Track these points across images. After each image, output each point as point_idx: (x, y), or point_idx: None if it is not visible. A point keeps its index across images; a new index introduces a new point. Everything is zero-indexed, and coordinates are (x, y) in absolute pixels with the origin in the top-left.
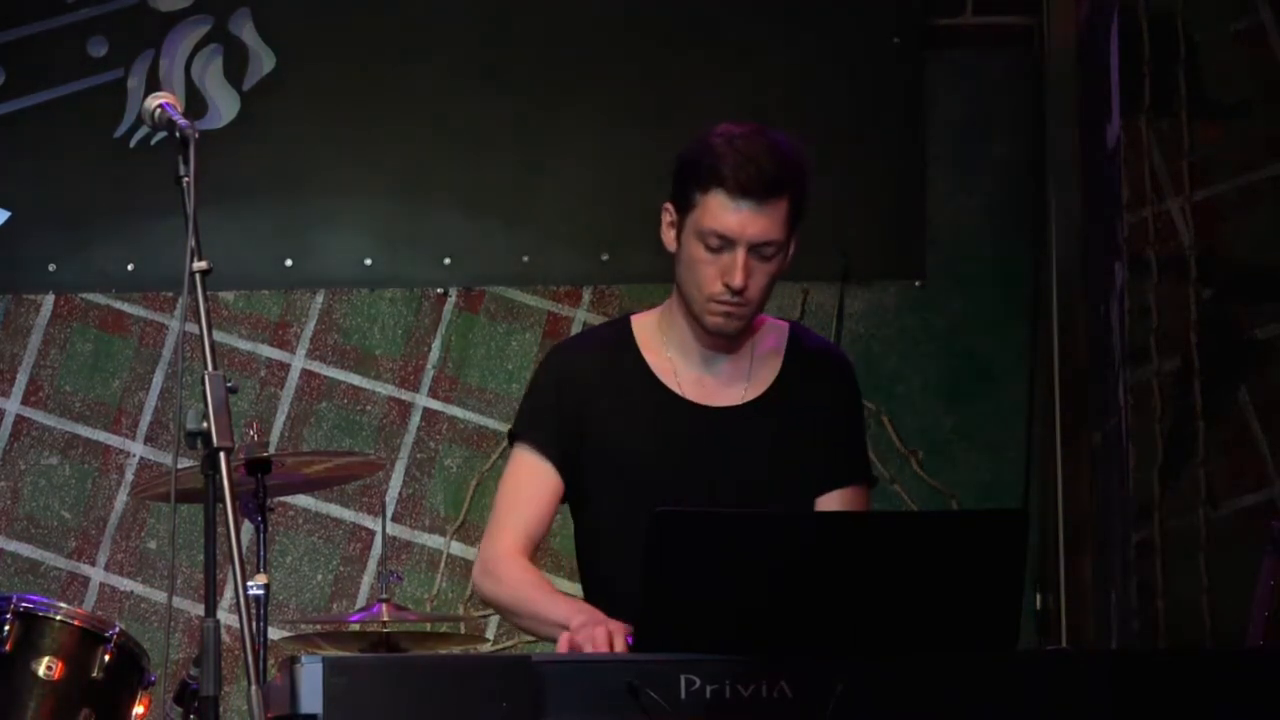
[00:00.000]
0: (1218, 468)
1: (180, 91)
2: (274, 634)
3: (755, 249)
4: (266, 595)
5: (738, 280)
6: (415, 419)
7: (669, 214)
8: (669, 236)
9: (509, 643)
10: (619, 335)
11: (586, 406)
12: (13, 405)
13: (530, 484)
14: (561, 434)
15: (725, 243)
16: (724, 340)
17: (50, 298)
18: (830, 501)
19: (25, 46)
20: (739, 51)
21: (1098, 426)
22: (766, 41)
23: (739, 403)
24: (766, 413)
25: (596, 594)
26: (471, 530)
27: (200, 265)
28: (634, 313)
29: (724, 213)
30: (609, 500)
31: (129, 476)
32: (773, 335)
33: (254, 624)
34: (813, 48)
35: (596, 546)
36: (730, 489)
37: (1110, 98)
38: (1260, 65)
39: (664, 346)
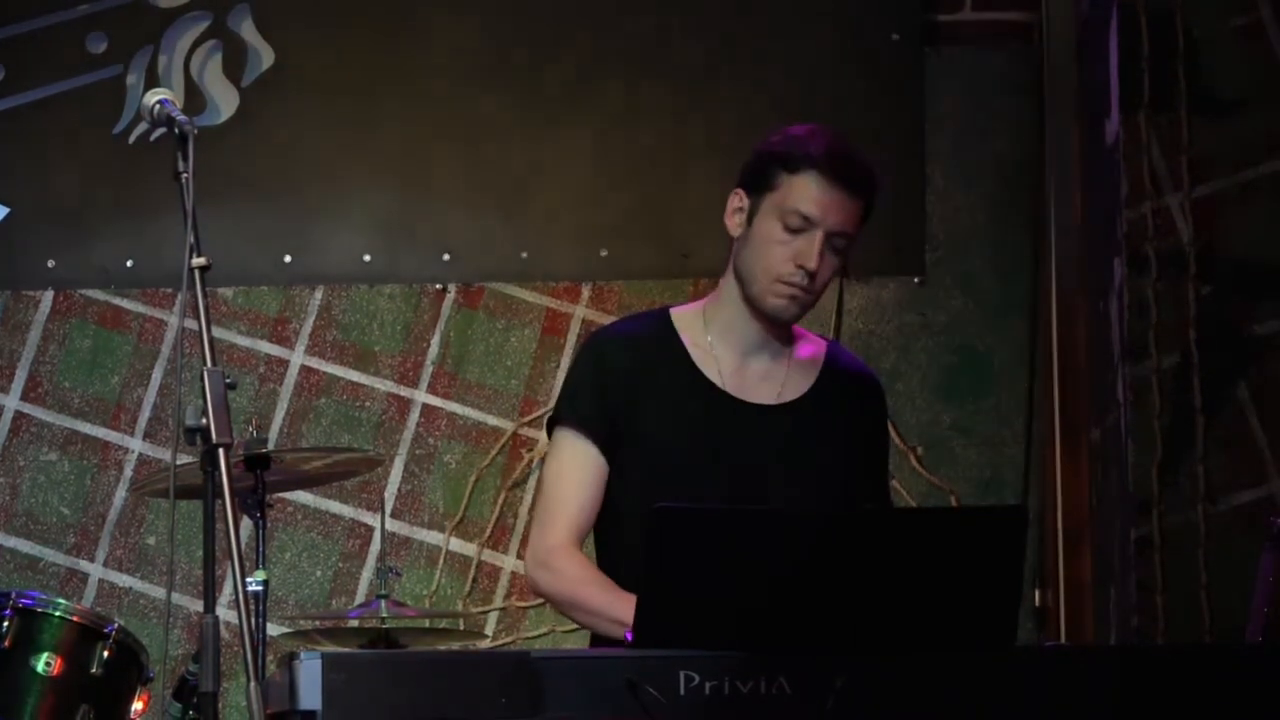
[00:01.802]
0: (1217, 464)
1: (179, 88)
2: (273, 630)
3: (831, 237)
4: (265, 591)
5: (813, 262)
6: (414, 415)
7: (739, 198)
8: (735, 221)
9: (508, 639)
10: (660, 323)
11: (626, 390)
12: (12, 401)
13: (578, 470)
14: (604, 416)
15: (807, 224)
16: (775, 327)
17: (49, 294)
18: None
19: (24, 42)
20: (738, 48)
21: (1097, 423)
22: (765, 38)
23: (773, 402)
24: (798, 418)
25: (611, 573)
26: (470, 526)
27: (199, 261)
28: (673, 305)
29: (814, 193)
30: (637, 483)
31: (128, 472)
32: (811, 346)
33: (253, 620)
34: (812, 44)
35: (619, 527)
36: (751, 485)
37: (1109, 94)
38: (1259, 61)
39: (705, 335)
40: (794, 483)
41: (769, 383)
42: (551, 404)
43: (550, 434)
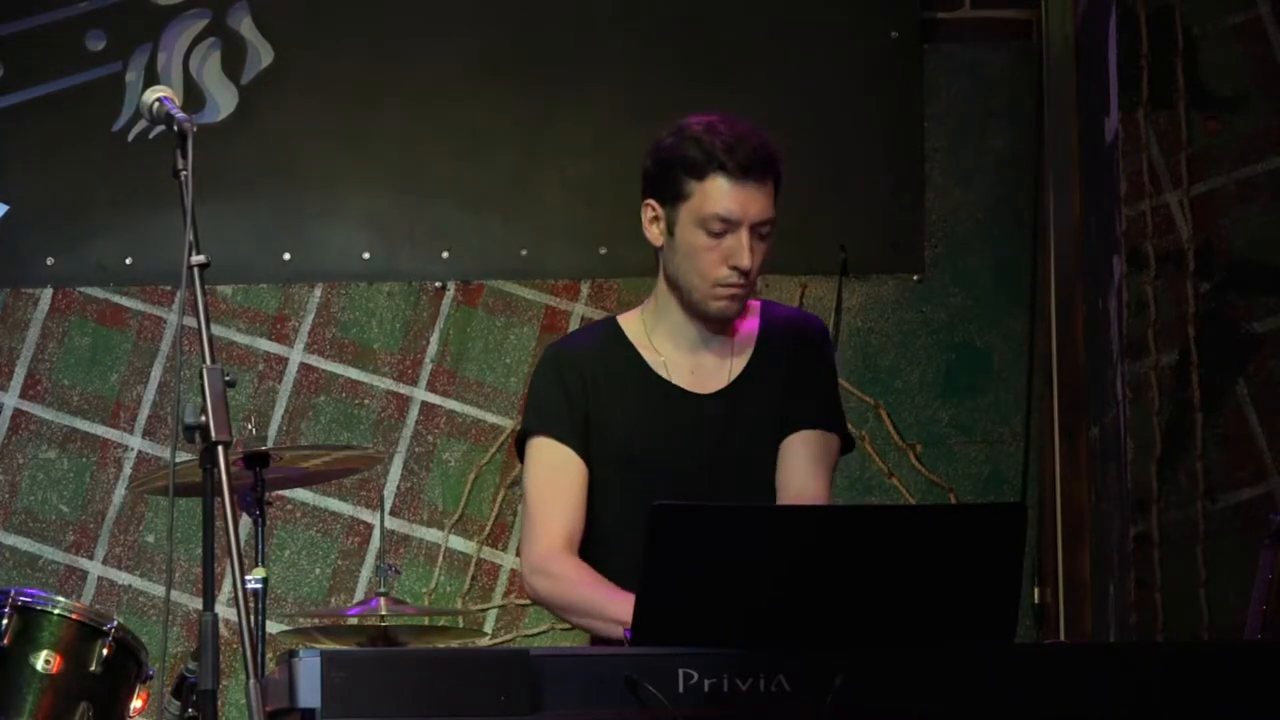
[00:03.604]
0: (1215, 461)
1: (178, 85)
2: (272, 628)
3: (755, 228)
4: (265, 589)
5: (746, 261)
6: (413, 413)
7: (652, 209)
8: (655, 232)
9: (507, 636)
10: (610, 332)
11: (589, 399)
12: (10, 399)
13: (560, 476)
14: (573, 421)
15: (729, 225)
16: (721, 323)
17: (48, 291)
18: (796, 443)
19: (23, 40)
20: (736, 46)
21: (1095, 420)
22: (764, 37)
23: (725, 385)
24: (748, 388)
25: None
26: (469, 524)
27: (198, 259)
28: (618, 314)
29: (726, 195)
30: (611, 490)
31: (127, 470)
32: (748, 315)
33: (252, 618)
34: (810, 42)
35: (604, 536)
36: (729, 470)
37: (1108, 91)
38: (1258, 59)
39: (653, 340)
40: (765, 449)
41: (720, 369)
42: None
43: (521, 451)
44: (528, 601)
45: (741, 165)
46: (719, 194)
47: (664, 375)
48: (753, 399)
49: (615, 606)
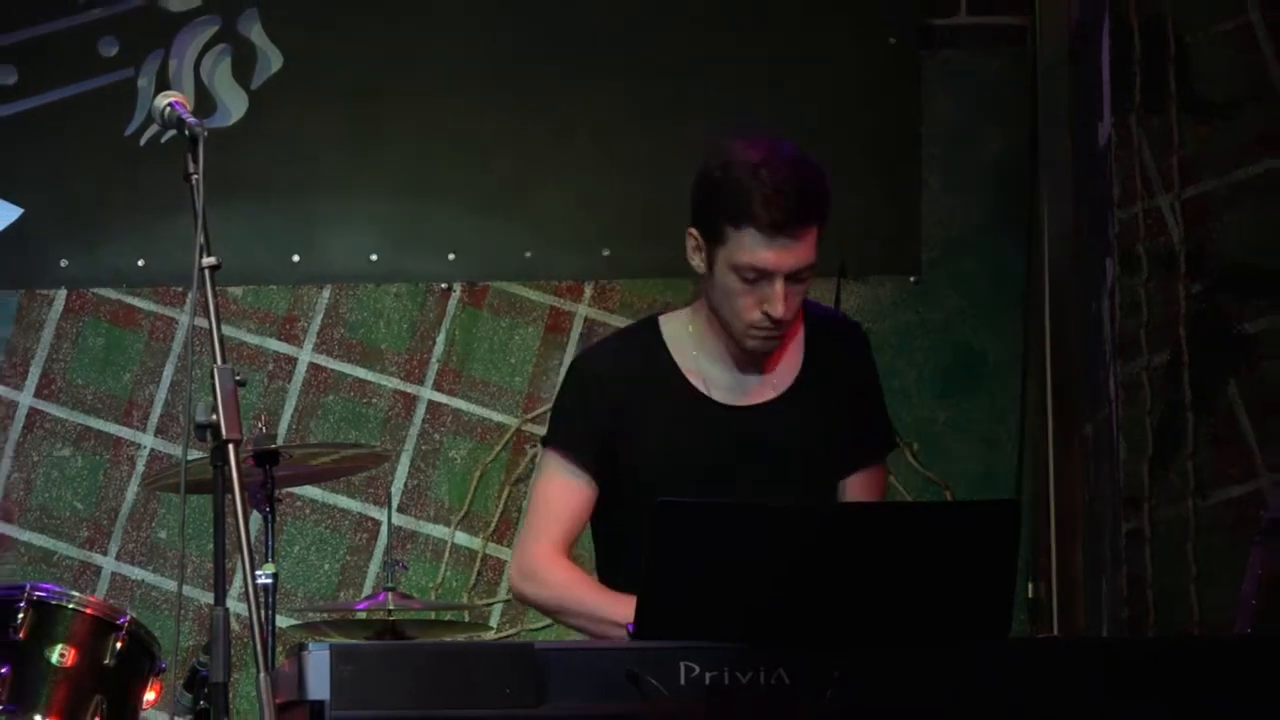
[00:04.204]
0: (1206, 459)
1: (189, 90)
2: (282, 622)
3: (791, 277)
4: (275, 584)
5: (778, 310)
6: (420, 411)
7: (694, 239)
8: (696, 260)
9: (512, 630)
10: (647, 338)
11: (616, 411)
12: (26, 398)
13: (564, 494)
14: (592, 440)
15: (762, 275)
16: (762, 356)
17: (62, 293)
18: (855, 482)
19: (37, 47)
20: (736, 52)
21: (1089, 419)
22: (764, 42)
23: (769, 399)
24: (796, 403)
25: (614, 589)
26: (475, 520)
27: (209, 261)
28: (660, 313)
29: (759, 250)
30: (639, 502)
31: (140, 468)
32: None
33: (262, 612)
34: (809, 47)
35: (624, 546)
36: (766, 485)
37: (1101, 96)
38: (1249, 64)
39: (694, 350)
40: (806, 468)
41: (765, 384)
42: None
43: (544, 447)
44: None
45: (776, 222)
46: (752, 245)
47: (701, 389)
48: (798, 414)
49: (608, 606)
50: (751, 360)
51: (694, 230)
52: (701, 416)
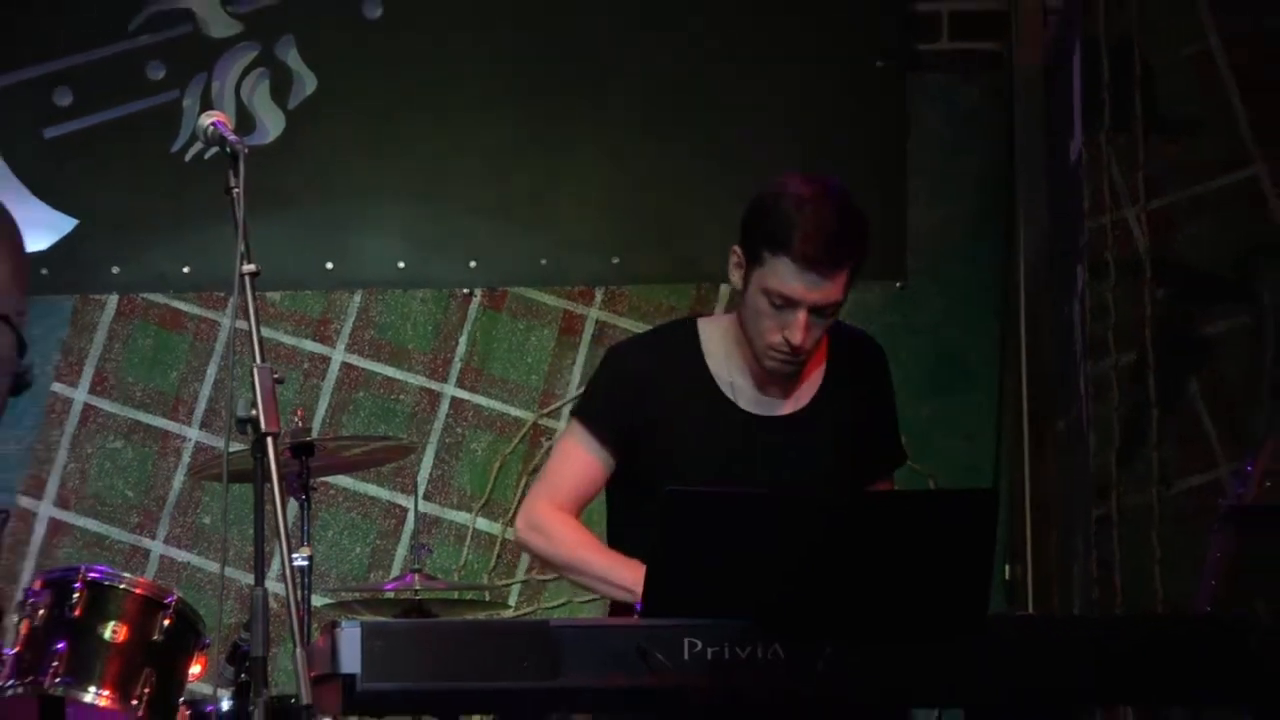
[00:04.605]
0: (1170, 452)
1: (230, 111)
2: (317, 601)
3: (816, 310)
4: (310, 566)
5: (797, 338)
6: (444, 407)
7: (738, 257)
8: (735, 277)
9: (529, 609)
10: (684, 338)
11: (642, 401)
12: (81, 394)
13: (579, 463)
14: (614, 421)
15: (789, 303)
16: (781, 378)
17: (114, 298)
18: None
19: (90, 70)
20: (739, 74)
21: (1061, 414)
22: (765, 65)
23: (791, 412)
24: (816, 418)
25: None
26: (495, 508)
27: (249, 268)
28: (701, 315)
29: (790, 279)
30: (654, 487)
31: (185, 459)
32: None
33: (299, 592)
34: (806, 70)
35: (634, 522)
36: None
37: (1073, 116)
38: (1209, 86)
39: (725, 357)
40: (823, 480)
41: (788, 397)
42: (569, 397)
43: (574, 416)
44: (548, 577)
45: (810, 257)
46: (785, 274)
47: (729, 396)
48: (817, 429)
49: (615, 571)
50: (772, 381)
51: (737, 249)
52: (724, 419)
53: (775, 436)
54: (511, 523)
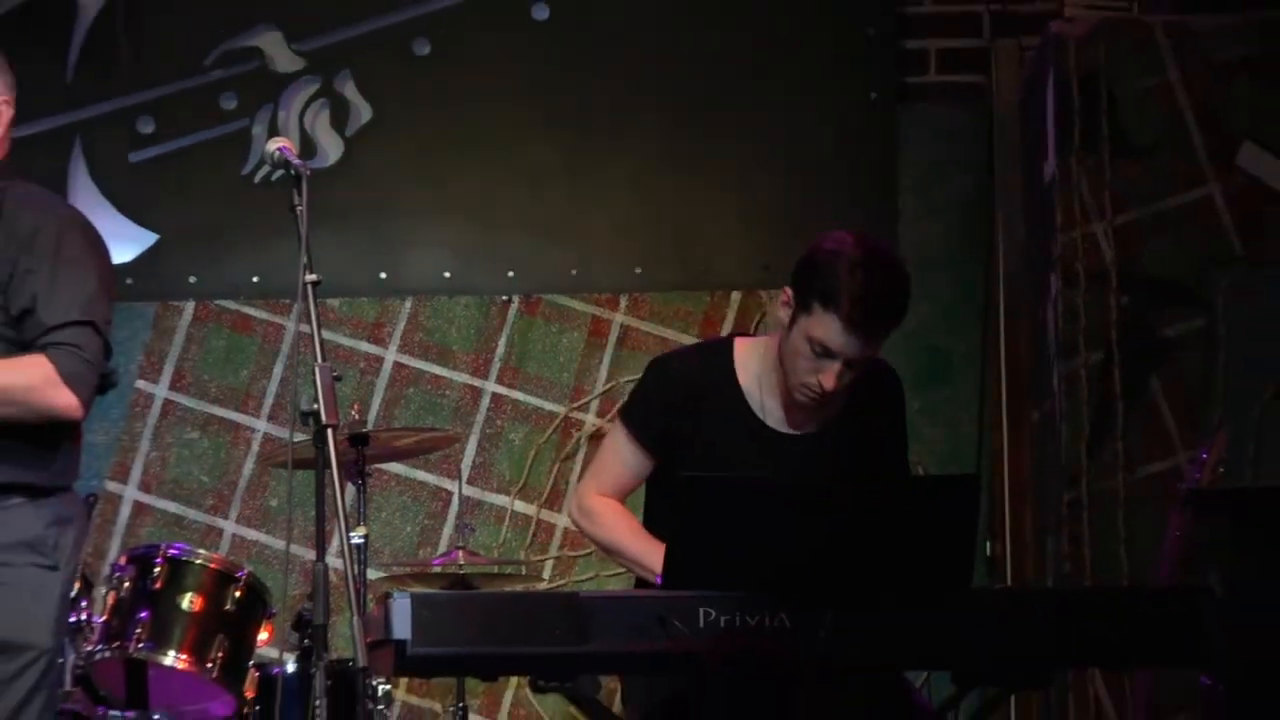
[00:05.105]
0: (1134, 441)
1: (294, 137)
2: (372, 574)
3: (850, 363)
4: (365, 544)
5: (830, 385)
6: (485, 401)
7: (787, 297)
8: (783, 314)
9: (561, 582)
10: (719, 355)
11: (676, 410)
12: (161, 390)
13: (621, 459)
14: (651, 426)
15: (828, 353)
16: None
17: (191, 304)
18: None
19: (170, 102)
20: (748, 106)
21: (1036, 407)
22: (771, 96)
23: (812, 430)
24: (833, 437)
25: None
26: (530, 491)
27: (311, 277)
28: (739, 335)
29: (834, 336)
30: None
31: (255, 448)
32: None
33: (355, 567)
34: (808, 100)
35: (666, 509)
36: None
37: (1047, 141)
38: (1168, 114)
39: (759, 378)
40: None
41: (811, 420)
42: (596, 393)
43: (619, 417)
44: (577, 554)
45: (855, 322)
46: (830, 330)
47: (758, 414)
48: (836, 444)
49: (649, 557)
50: (798, 408)
51: (789, 290)
52: (749, 431)
53: (795, 450)
54: (546, 505)
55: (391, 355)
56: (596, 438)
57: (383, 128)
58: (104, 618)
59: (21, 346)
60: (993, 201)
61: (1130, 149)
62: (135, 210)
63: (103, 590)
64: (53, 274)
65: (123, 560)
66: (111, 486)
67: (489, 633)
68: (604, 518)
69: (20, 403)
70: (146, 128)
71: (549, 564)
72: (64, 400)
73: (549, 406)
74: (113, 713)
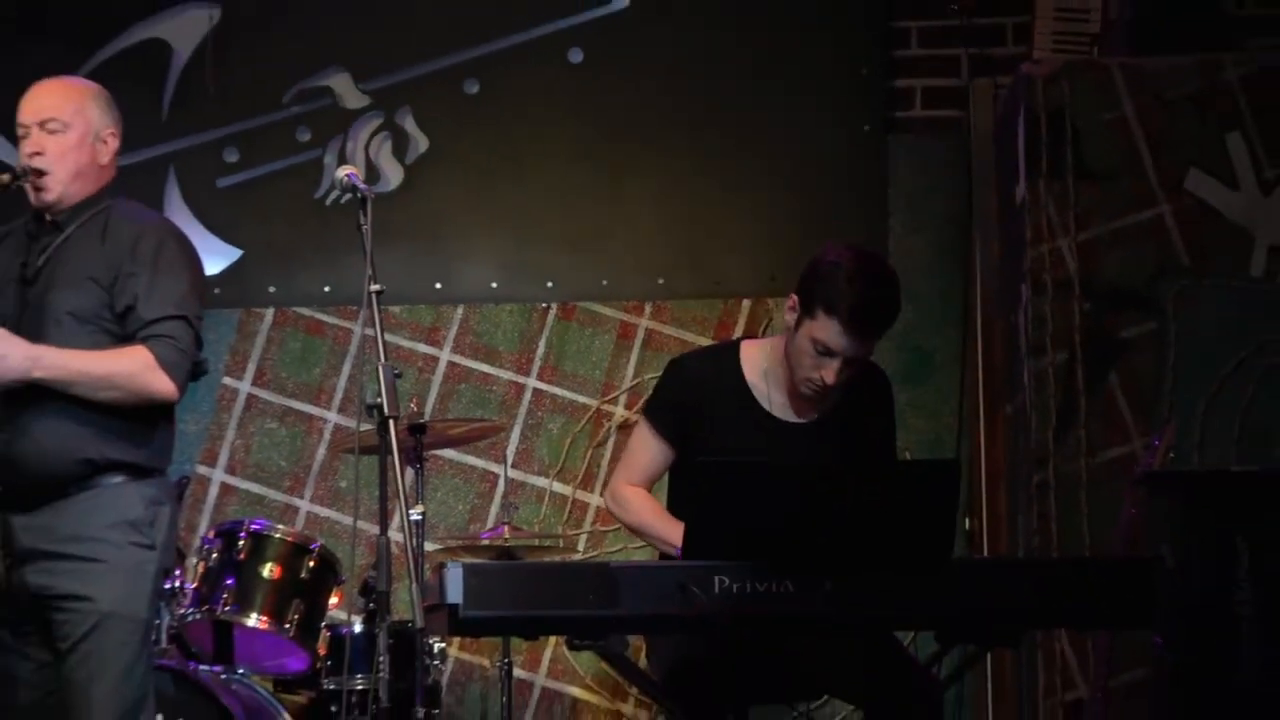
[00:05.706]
0: (1094, 430)
1: (361, 165)
2: (428, 547)
3: (848, 360)
4: (423, 520)
5: (830, 380)
6: (527, 396)
7: (793, 302)
8: (789, 318)
9: (594, 553)
10: (728, 356)
11: (690, 405)
12: (245, 386)
13: (645, 451)
14: (670, 420)
15: (829, 353)
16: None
17: (271, 310)
18: None
19: (252, 134)
20: (754, 137)
21: (1009, 401)
22: (777, 128)
23: (813, 419)
24: (830, 427)
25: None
26: (567, 474)
27: (375, 287)
28: (746, 338)
29: (835, 337)
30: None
31: (326, 436)
32: None
33: (414, 540)
34: (809, 132)
35: (686, 493)
36: None
37: (1018, 167)
38: (1124, 144)
39: (763, 372)
40: None
41: (812, 410)
42: (624, 388)
43: (641, 414)
44: (608, 529)
45: (854, 325)
46: (830, 331)
47: (765, 407)
48: (834, 432)
49: (673, 535)
50: (802, 400)
51: (796, 296)
52: (755, 421)
53: (798, 436)
54: (580, 486)
55: (445, 355)
56: (625, 427)
57: (438, 157)
58: (195, 584)
59: (124, 340)
60: (971, 220)
61: (1091, 174)
62: (222, 229)
63: (194, 560)
64: (151, 276)
65: (211, 534)
66: (202, 470)
67: (531, 598)
68: (632, 504)
69: (123, 387)
70: (231, 157)
71: (583, 538)
72: (161, 384)
73: (583, 400)
74: (202, 667)
